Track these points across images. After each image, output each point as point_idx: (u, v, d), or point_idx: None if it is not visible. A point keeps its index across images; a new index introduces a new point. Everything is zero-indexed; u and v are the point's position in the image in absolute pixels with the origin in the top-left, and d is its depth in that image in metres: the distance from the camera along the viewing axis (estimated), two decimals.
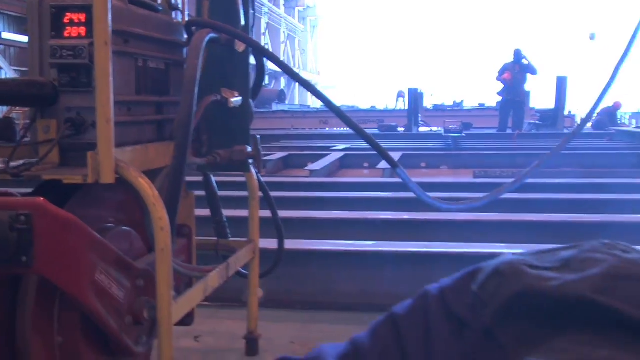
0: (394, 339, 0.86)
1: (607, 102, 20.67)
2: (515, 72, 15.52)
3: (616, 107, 20.04)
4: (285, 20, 37.16)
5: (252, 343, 2.73)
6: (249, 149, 2.31)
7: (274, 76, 31.91)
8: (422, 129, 16.64)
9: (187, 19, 2.40)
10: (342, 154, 10.17)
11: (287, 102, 26.71)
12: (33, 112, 1.92)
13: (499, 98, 16.29)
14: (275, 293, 3.28)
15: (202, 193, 2.63)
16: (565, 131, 16.10)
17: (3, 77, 14.73)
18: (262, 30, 32.66)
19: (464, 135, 13.30)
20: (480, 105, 24.14)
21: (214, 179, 2.68)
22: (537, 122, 17.41)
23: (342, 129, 17.15)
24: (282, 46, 36.15)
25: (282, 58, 30.56)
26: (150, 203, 1.78)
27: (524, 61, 15.48)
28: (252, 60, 2.52)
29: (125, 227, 2.05)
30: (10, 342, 1.76)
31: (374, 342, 0.89)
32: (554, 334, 0.69)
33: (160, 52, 2.19)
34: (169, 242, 1.81)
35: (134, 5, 2.04)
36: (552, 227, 4.25)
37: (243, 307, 2.79)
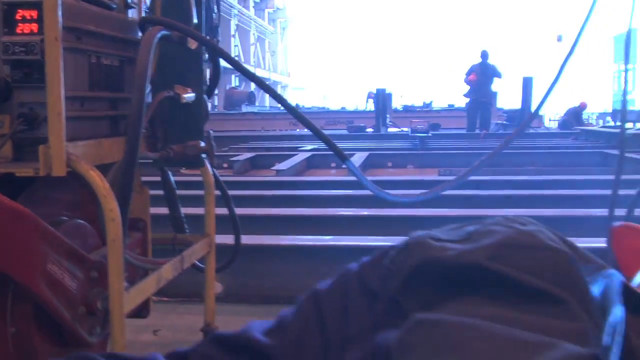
0: (315, 313, 0.92)
1: (573, 103, 21.01)
2: (481, 73, 15.70)
3: (582, 107, 20.35)
4: (255, 22, 37.15)
5: (209, 335, 2.77)
6: (203, 144, 2.36)
7: (244, 78, 31.90)
8: (391, 130, 16.75)
9: None
10: (309, 154, 10.23)
11: (257, 104, 26.71)
12: None
13: (467, 99, 16.47)
14: (235, 288, 3.33)
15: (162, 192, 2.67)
16: (532, 131, 16.34)
17: None
18: (232, 32, 32.62)
19: (430, 135, 13.43)
20: (450, 106, 24.35)
21: (171, 175, 2.73)
22: (504, 122, 17.62)
23: None
24: (252, 48, 36.12)
25: (252, 60, 30.49)
26: (101, 195, 1.82)
27: (489, 62, 15.68)
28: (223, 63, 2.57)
29: (79, 221, 2.09)
30: None
31: (296, 317, 0.94)
32: (451, 299, 0.75)
33: (114, 49, 2.24)
34: (120, 233, 1.85)
35: (87, 2, 2.09)
36: None
37: (203, 303, 2.83)
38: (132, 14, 2.47)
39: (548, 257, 0.78)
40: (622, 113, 2.88)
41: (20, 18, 1.88)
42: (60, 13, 1.77)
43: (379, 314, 0.83)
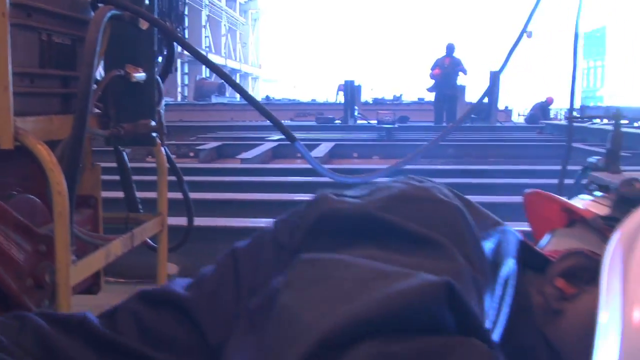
0: (232, 267, 0.97)
1: (540, 98, 21.28)
2: (445, 67, 15.82)
3: (548, 102, 20.62)
4: (226, 13, 37.03)
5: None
6: (153, 123, 2.40)
7: None
8: (360, 122, 16.83)
9: None
10: (275, 144, 10.27)
11: (227, 95, 26.66)
12: None
13: (431, 93, 16.60)
14: (189, 268, 3.37)
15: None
16: (498, 124, 16.52)
17: None
18: (203, 23, 32.51)
19: (396, 126, 13.53)
20: (420, 99, 24.49)
21: (126, 156, 2.77)
22: (471, 115, 17.79)
23: (282, 121, 17.24)
24: (223, 39, 36.01)
25: (222, 51, 30.31)
26: (48, 168, 1.86)
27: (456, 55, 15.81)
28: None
29: (29, 196, 2.12)
30: None
31: (214, 271, 1.00)
32: (345, 248, 0.81)
33: (65, 28, 2.27)
34: (67, 206, 1.89)
35: None
36: None
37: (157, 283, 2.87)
38: None
39: (435, 208, 0.84)
40: (570, 105, 2.98)
41: None
42: None
43: (283, 264, 0.89)
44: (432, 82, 16.18)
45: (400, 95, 27.05)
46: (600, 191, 1.15)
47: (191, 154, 9.85)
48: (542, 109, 19.96)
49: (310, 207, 0.89)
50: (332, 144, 10.23)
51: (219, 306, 0.94)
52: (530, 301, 1.04)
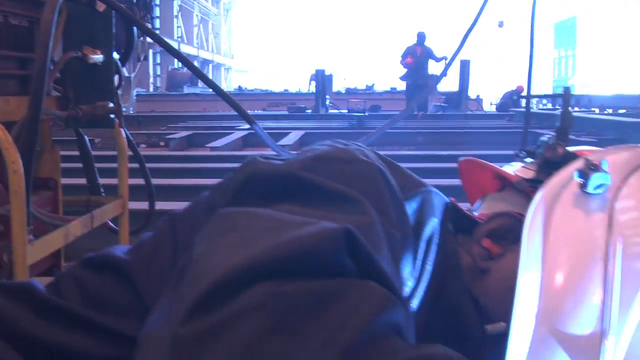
0: (169, 230, 1.00)
1: (510, 86, 21.45)
2: (417, 56, 15.87)
3: (519, 90, 20.75)
4: (198, 3, 36.82)
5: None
6: (112, 105, 2.41)
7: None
8: (332, 111, 16.86)
9: None
10: (245, 132, 10.27)
11: (199, 85, 26.57)
12: None
13: (404, 82, 16.64)
14: None
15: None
16: (469, 112, 16.64)
17: None
18: (175, 13, 32.31)
19: (367, 114, 13.58)
20: (392, 89, 24.56)
21: (87, 139, 2.78)
22: (442, 104, 17.90)
23: (255, 111, 17.26)
24: (195, 29, 35.83)
25: (195, 42, 30.08)
26: (4, 148, 1.87)
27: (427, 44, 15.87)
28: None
29: None
30: None
31: (153, 235, 1.03)
32: (267, 206, 0.84)
33: (22, 9, 2.28)
34: (22, 185, 1.90)
35: None
36: None
37: None
38: None
39: (354, 167, 0.87)
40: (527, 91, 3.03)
41: None
42: None
43: None
44: (404, 70, 16.21)
45: (372, 84, 27.12)
46: (529, 157, 1.19)
47: (162, 143, 9.83)
48: (512, 98, 20.13)
49: (240, 169, 0.93)
50: (302, 132, 10.27)
51: (155, 268, 0.96)
52: (459, 261, 1.08)
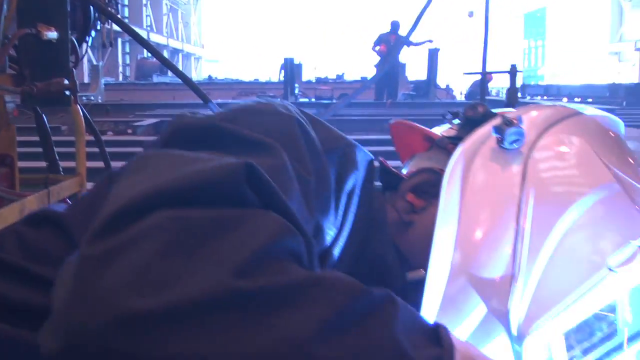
0: (106, 184, 1.03)
1: (479, 76, 21.56)
2: (391, 44, 15.93)
3: (488, 79, 20.91)
4: None
5: None
6: (67, 82, 2.44)
7: (157, 49, 31.34)
8: (302, 100, 16.87)
9: None
10: None
11: (169, 75, 26.41)
12: None
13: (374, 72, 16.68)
14: None
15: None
16: (437, 100, 16.76)
17: None
18: (144, 1, 32.08)
19: (334, 101, 13.62)
20: (363, 78, 24.59)
21: (45, 117, 2.80)
22: (411, 92, 18.00)
23: (225, 100, 17.19)
24: (165, 18, 35.59)
25: (164, 31, 29.83)
26: None
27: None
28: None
29: None
30: None
31: (91, 189, 1.07)
32: None
33: None
34: None
35: None
36: None
37: None
38: None
39: (273, 118, 0.92)
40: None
41: None
42: None
43: None
44: (377, 59, 16.26)
45: (342, 74, 27.14)
46: (456, 119, 1.25)
47: (129, 131, 9.80)
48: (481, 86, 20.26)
49: (169, 123, 0.97)
50: None
51: (91, 219, 1.01)
52: (385, 216, 1.14)
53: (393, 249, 1.11)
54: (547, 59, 39.82)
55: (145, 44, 2.53)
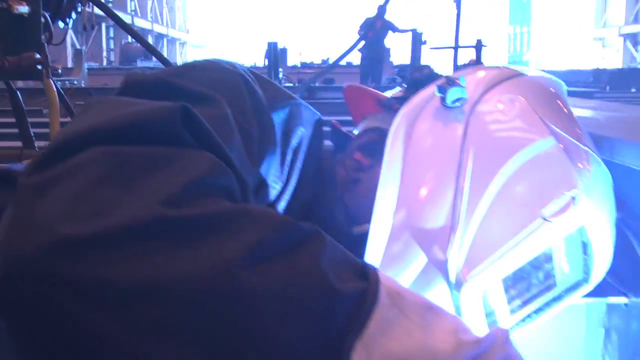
0: None
1: (464, 60, 21.60)
2: (377, 29, 15.91)
3: (470, 64, 20.95)
4: None
5: None
6: (38, 55, 2.46)
7: (142, 33, 31.13)
8: (287, 85, 16.82)
9: None
10: None
11: (153, 60, 26.29)
12: None
13: (359, 58, 16.66)
14: None
15: None
16: None
17: None
18: None
19: (317, 85, 13.60)
20: (348, 63, 24.54)
21: (19, 94, 2.81)
22: (395, 76, 18.00)
23: None
24: (149, 3, 35.35)
25: (149, 15, 29.63)
26: None
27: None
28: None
29: None
30: None
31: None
32: None
33: None
34: None
35: None
36: None
37: None
38: None
39: (218, 74, 0.95)
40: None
41: None
42: None
43: None
44: (363, 42, 16.20)
45: (327, 59, 27.09)
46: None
47: None
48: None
49: (121, 81, 1.00)
50: None
51: None
52: (334, 174, 1.18)
53: (341, 205, 1.15)
54: (532, 44, 39.91)
55: (126, 27, 2.56)
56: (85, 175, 0.66)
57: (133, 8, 32.04)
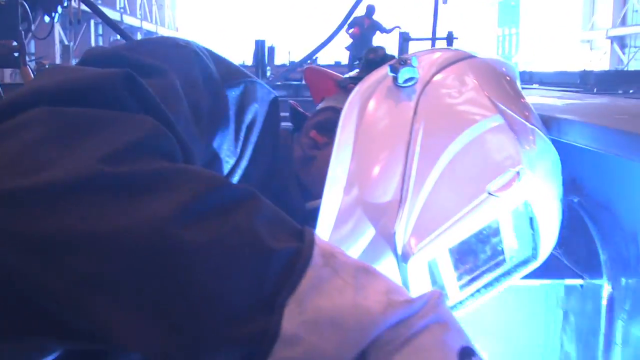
0: None
1: None
2: (364, 28, 15.93)
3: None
4: None
5: None
6: (15, 43, 2.47)
7: (130, 31, 31.10)
8: (277, 83, 16.75)
9: None
10: None
11: None
12: None
13: (347, 56, 16.67)
14: None
15: None
16: None
17: None
18: None
19: (304, 83, 13.61)
20: (337, 63, 24.53)
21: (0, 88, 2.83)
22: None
23: None
24: (139, 0, 35.24)
25: (138, 13, 29.45)
26: None
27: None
28: None
29: None
30: None
31: None
32: None
33: None
34: None
35: None
36: None
37: None
38: None
39: (170, 49, 0.98)
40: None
41: None
42: None
43: None
44: (351, 40, 16.22)
45: (316, 58, 27.13)
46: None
47: None
48: None
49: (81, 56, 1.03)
50: None
51: None
52: (291, 152, 1.21)
53: (296, 182, 1.18)
54: (520, 46, 39.99)
55: (111, 24, 2.58)
56: (28, 133, 0.68)
57: (122, 5, 31.89)
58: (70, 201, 0.64)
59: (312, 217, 1.09)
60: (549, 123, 1.29)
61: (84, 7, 3.73)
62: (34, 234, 0.63)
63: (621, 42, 23.05)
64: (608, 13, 24.02)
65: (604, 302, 1.42)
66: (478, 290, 1.17)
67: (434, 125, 1.09)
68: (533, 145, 1.12)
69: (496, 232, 1.13)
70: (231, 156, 1.05)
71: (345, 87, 1.21)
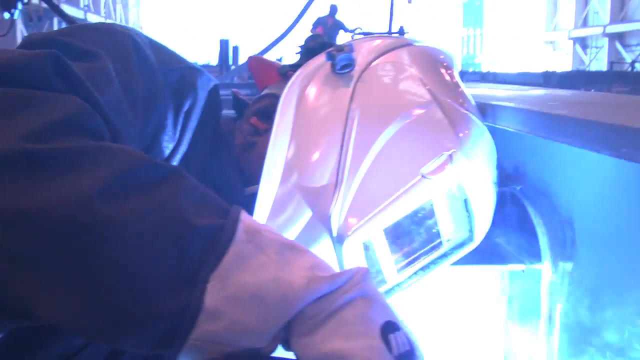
0: None
1: None
2: (328, 27, 15.98)
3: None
4: None
5: None
6: None
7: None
8: (239, 82, 16.69)
9: None
10: None
11: None
12: None
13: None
14: None
15: None
16: None
17: None
18: None
19: None
20: None
21: None
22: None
23: None
24: None
25: (102, 11, 29.18)
26: None
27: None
28: None
29: None
30: None
31: None
32: None
33: None
34: None
35: None
36: None
37: None
38: None
39: (107, 34, 0.98)
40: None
41: None
42: None
43: None
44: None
45: (281, 57, 27.16)
46: None
47: None
48: None
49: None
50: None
51: None
52: (232, 138, 1.22)
53: (237, 168, 1.19)
54: (484, 47, 40.32)
55: (71, 22, 2.57)
56: None
57: (86, 3, 31.59)
58: None
59: (251, 201, 1.11)
60: (485, 110, 1.32)
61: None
62: None
63: (583, 43, 23.38)
64: (570, 14, 24.31)
65: (544, 285, 1.45)
66: (416, 273, 1.20)
67: (369, 110, 1.11)
68: (466, 131, 1.14)
69: (431, 214, 1.16)
70: (170, 141, 1.06)
71: (285, 74, 1.22)
